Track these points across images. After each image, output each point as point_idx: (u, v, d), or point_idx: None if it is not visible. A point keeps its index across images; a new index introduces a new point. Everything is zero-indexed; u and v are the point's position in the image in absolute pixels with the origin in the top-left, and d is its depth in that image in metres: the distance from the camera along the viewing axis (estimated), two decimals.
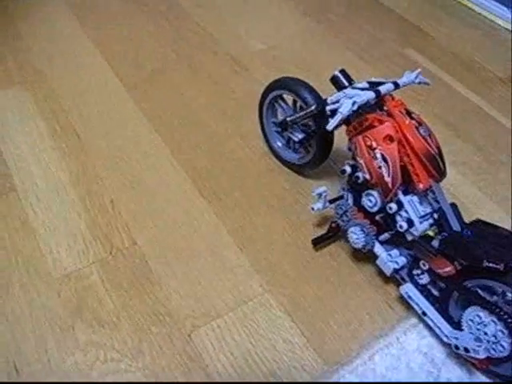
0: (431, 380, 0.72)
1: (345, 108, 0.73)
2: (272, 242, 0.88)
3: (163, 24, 1.39)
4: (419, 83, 0.83)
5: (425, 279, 0.76)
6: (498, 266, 0.64)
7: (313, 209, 0.85)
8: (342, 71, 0.82)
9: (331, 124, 0.75)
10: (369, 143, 0.75)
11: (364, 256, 0.85)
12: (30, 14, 1.41)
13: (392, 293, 0.82)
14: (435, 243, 0.73)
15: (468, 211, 0.93)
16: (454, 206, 0.74)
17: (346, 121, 0.79)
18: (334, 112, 0.76)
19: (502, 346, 0.68)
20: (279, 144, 1.00)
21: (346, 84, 0.81)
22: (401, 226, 0.74)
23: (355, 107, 0.74)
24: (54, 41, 1.30)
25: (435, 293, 0.76)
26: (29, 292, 0.79)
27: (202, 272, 0.83)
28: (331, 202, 0.86)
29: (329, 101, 0.80)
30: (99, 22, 1.38)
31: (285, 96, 0.95)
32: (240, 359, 0.72)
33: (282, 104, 0.96)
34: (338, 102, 0.77)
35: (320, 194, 0.84)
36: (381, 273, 0.82)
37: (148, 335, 0.75)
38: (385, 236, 0.80)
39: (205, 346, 0.74)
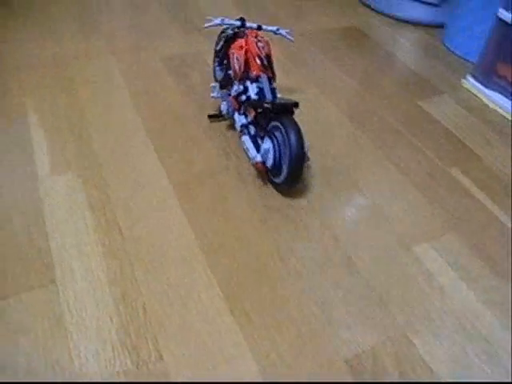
0: None
1: (216, 21, 1.29)
2: None
3: (217, 123, 1.45)
4: (281, 35, 1.60)
5: (252, 130, 1.25)
6: (267, 105, 1.12)
7: (212, 96, 1.40)
8: (241, 18, 1.31)
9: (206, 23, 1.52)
10: (231, 51, 1.27)
11: None
12: (97, 100, 1.49)
13: None
14: (253, 101, 1.21)
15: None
16: (274, 89, 1.22)
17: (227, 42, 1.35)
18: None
19: (269, 158, 1.16)
20: (216, 65, 1.49)
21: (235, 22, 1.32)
22: (241, 99, 1.25)
23: (225, 22, 1.29)
24: (113, 131, 1.37)
25: (252, 132, 1.24)
26: None
27: None
28: (221, 92, 1.39)
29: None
30: (161, 121, 1.45)
31: None
32: None
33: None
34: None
35: (214, 87, 1.38)
36: None
37: None
38: (242, 109, 1.27)
39: None
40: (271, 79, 1.23)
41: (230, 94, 1.32)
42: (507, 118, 1.65)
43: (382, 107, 1.62)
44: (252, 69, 1.21)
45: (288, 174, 1.11)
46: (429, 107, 1.65)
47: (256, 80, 1.20)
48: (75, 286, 0.97)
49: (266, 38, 1.28)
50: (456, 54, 2.01)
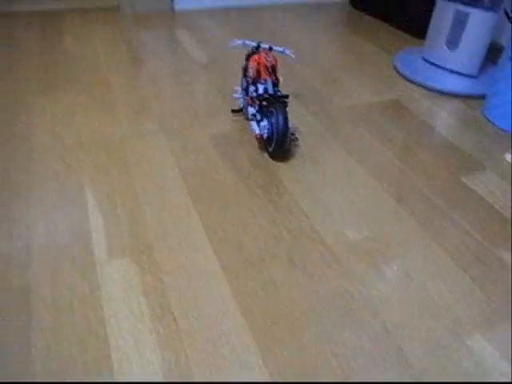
0: None
1: (238, 42, 1.74)
2: None
3: (265, 203, 1.50)
4: (285, 55, 1.87)
5: (258, 116, 1.69)
6: (267, 96, 1.61)
7: (236, 97, 1.95)
8: (258, 44, 1.74)
9: (234, 41, 1.77)
10: (250, 63, 1.72)
11: None
12: (150, 181, 1.57)
13: None
14: (260, 96, 1.65)
15: None
16: (276, 89, 1.64)
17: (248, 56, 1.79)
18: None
19: (266, 132, 1.63)
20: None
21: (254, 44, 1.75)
22: (252, 94, 1.72)
23: (246, 43, 1.73)
24: (166, 213, 1.44)
25: (258, 118, 1.69)
26: None
27: None
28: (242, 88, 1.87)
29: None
30: (210, 201, 1.51)
31: None
32: None
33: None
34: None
35: (237, 90, 2.05)
36: None
37: None
38: (256, 105, 1.69)
39: None
40: (275, 83, 1.64)
41: (247, 95, 1.78)
42: None
43: (425, 183, 1.64)
44: (261, 74, 1.65)
45: (276, 143, 1.60)
46: (473, 183, 1.66)
47: (263, 82, 1.64)
48: (131, 378, 1.00)
49: (273, 54, 1.82)
50: (497, 126, 2.03)
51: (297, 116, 2.00)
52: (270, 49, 1.73)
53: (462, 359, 1.07)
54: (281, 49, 1.75)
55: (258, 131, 1.66)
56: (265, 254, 1.31)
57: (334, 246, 1.34)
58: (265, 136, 1.65)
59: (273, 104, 1.57)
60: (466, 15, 2.18)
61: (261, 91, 1.65)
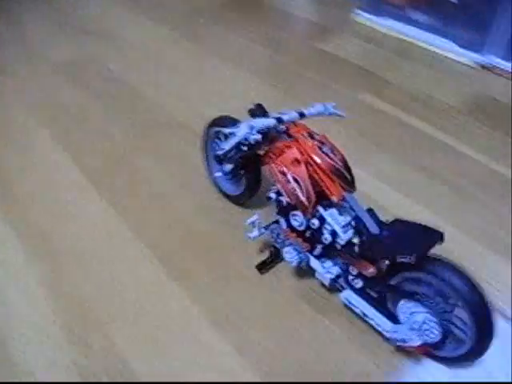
0: None
1: (241, 131, 0.82)
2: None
3: (118, 107, 1.44)
4: (330, 114, 0.92)
5: (359, 283, 0.80)
6: (409, 260, 0.69)
7: (249, 237, 0.91)
8: (259, 105, 0.91)
9: (224, 145, 0.87)
10: (280, 169, 0.82)
11: None
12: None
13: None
14: (356, 248, 0.78)
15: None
16: (370, 210, 0.80)
17: (256, 149, 0.88)
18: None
19: (432, 331, 0.72)
20: (218, 175, 1.07)
21: (260, 116, 0.88)
22: (326, 239, 0.81)
23: (254, 131, 0.82)
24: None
25: (373, 294, 0.79)
26: None
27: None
28: (266, 228, 0.93)
29: (228, 130, 0.89)
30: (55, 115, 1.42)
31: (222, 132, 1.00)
32: None
33: (221, 139, 1.02)
34: (238, 130, 0.84)
35: (253, 223, 0.91)
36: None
37: None
38: (318, 250, 0.85)
39: None
40: (371, 212, 0.81)
41: (290, 226, 0.87)
42: (404, 40, 1.72)
43: (286, 58, 1.67)
44: (329, 192, 0.78)
45: (475, 343, 0.72)
46: (329, 47, 1.71)
47: (340, 206, 0.79)
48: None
49: (323, 136, 0.84)
50: None
51: None
52: (302, 115, 0.86)
53: None
54: (320, 108, 0.89)
55: (414, 341, 0.76)
56: (127, 153, 1.27)
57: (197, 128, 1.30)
58: (435, 340, 0.75)
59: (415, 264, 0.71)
60: None
61: (345, 236, 0.79)
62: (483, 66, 1.56)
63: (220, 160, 0.94)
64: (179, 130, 1.34)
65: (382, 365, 0.81)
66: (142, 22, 1.93)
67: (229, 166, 0.96)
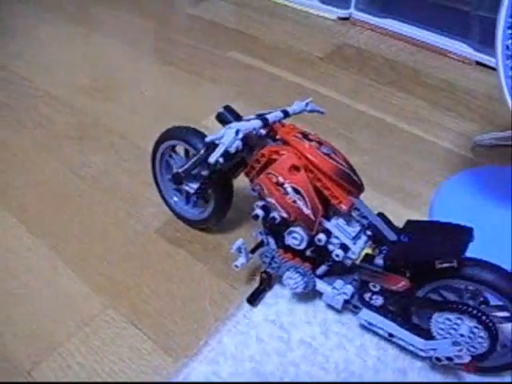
0: (282, 344, 0.74)
1: (227, 138, 0.66)
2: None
3: None
4: (311, 111, 0.80)
5: (379, 300, 0.71)
6: (452, 264, 0.60)
7: (237, 266, 0.77)
8: (227, 107, 0.75)
9: (213, 156, 0.67)
10: (274, 180, 0.69)
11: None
12: None
13: (233, 274, 0.83)
14: (379, 261, 0.68)
15: None
16: (381, 215, 0.72)
17: (239, 159, 0.75)
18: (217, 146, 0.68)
19: (480, 342, 0.64)
20: (176, 200, 0.90)
21: (232, 120, 0.73)
22: (337, 255, 0.68)
23: (240, 135, 0.67)
24: None
25: (392, 308, 0.70)
26: None
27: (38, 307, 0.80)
28: (252, 251, 0.80)
29: (210, 138, 0.70)
30: None
31: (177, 147, 0.86)
32: (86, 380, 0.70)
33: (175, 156, 0.86)
34: (222, 137, 0.69)
35: (239, 248, 0.76)
36: (220, 259, 0.86)
37: None
38: (322, 269, 0.74)
39: (47, 378, 0.70)
40: (387, 222, 0.72)
41: (286, 247, 0.76)
42: (272, 1, 1.76)
43: (164, 29, 1.65)
44: (335, 200, 0.68)
45: None
46: (197, 11, 1.72)
47: (348, 215, 0.70)
48: None
49: (316, 135, 0.74)
50: None
51: None
52: (286, 114, 0.76)
53: None
54: (302, 104, 0.80)
55: (465, 357, 0.65)
56: None
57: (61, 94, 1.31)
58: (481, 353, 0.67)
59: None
60: None
61: (356, 248, 0.70)
62: (346, 19, 1.63)
63: (180, 180, 0.79)
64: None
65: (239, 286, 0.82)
66: None
67: (193, 186, 0.82)
